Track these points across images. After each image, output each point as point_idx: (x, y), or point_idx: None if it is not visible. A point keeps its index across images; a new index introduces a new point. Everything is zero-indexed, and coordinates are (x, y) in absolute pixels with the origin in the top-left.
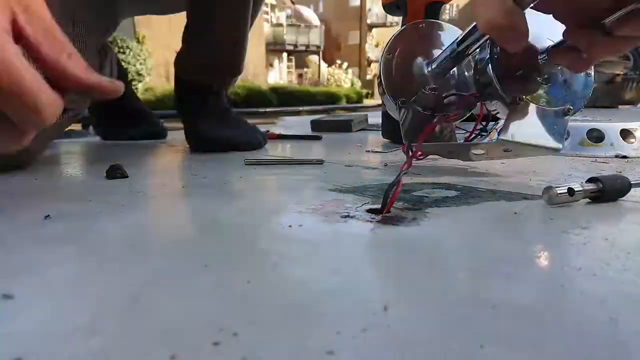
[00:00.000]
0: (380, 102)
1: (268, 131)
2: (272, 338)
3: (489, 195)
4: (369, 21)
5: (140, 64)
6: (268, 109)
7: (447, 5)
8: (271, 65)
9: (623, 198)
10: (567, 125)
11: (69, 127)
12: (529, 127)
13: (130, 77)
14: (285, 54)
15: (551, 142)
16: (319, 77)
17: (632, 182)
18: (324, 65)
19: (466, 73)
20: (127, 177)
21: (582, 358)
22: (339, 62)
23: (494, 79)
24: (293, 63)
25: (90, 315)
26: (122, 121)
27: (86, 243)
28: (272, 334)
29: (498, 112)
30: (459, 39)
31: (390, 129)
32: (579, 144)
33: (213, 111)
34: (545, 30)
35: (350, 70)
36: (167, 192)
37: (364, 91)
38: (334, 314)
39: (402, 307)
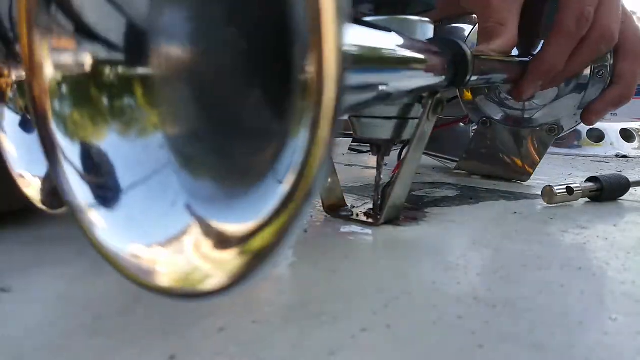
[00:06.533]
0: None
1: None
2: (272, 338)
3: (489, 195)
4: None
5: None
6: None
7: None
8: None
9: (622, 197)
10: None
11: None
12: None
13: None
14: None
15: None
16: None
17: (631, 181)
18: None
19: None
20: None
21: (582, 358)
22: None
23: None
24: None
25: (91, 315)
26: None
27: (86, 243)
28: (272, 334)
29: None
30: None
31: None
32: (579, 143)
33: None
34: None
35: None
36: None
37: None
38: (334, 314)
39: (402, 307)
